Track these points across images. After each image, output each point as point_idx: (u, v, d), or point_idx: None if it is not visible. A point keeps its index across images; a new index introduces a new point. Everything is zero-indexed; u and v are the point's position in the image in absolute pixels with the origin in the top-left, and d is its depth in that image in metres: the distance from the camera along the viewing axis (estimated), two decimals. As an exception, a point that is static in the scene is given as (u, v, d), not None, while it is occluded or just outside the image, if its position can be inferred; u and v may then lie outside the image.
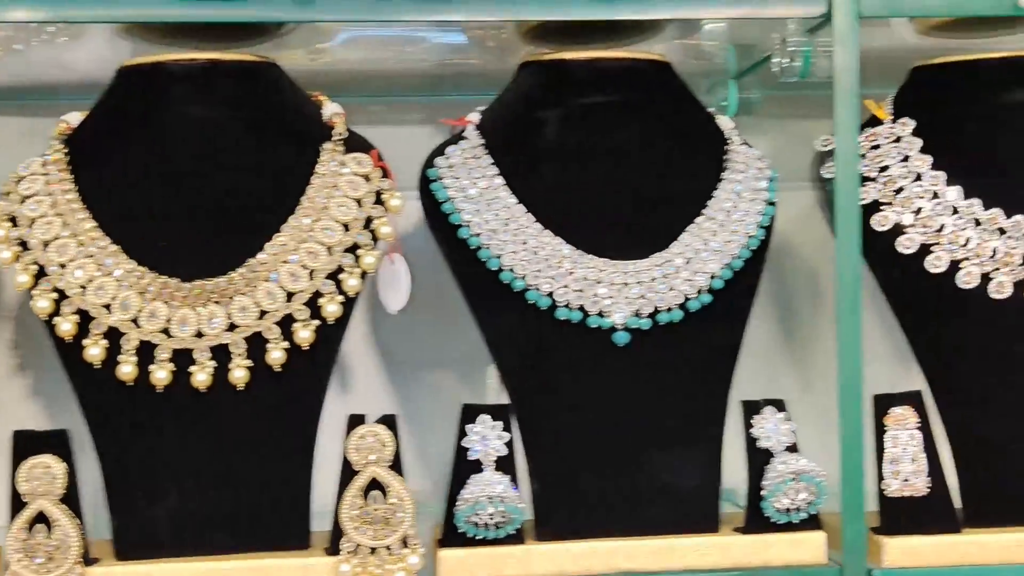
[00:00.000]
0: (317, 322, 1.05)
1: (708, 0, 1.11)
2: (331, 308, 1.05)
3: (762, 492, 1.07)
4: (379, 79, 1.40)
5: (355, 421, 1.05)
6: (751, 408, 1.11)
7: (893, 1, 1.09)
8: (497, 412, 1.08)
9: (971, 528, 1.11)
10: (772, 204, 1.15)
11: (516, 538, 1.05)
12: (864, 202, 1.14)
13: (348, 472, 1.04)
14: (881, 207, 1.13)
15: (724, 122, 1.19)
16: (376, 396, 1.40)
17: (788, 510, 1.08)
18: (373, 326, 1.40)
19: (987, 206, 1.12)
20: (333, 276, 1.06)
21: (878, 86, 1.21)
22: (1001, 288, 1.11)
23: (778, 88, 1.32)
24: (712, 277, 1.10)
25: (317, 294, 1.06)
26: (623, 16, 1.05)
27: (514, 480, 1.06)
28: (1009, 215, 1.11)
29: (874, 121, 1.18)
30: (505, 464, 1.06)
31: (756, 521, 1.08)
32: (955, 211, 1.12)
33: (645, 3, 1.07)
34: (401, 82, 1.41)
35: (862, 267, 1.09)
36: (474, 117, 1.16)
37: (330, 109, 1.13)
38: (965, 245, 1.11)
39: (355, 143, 1.12)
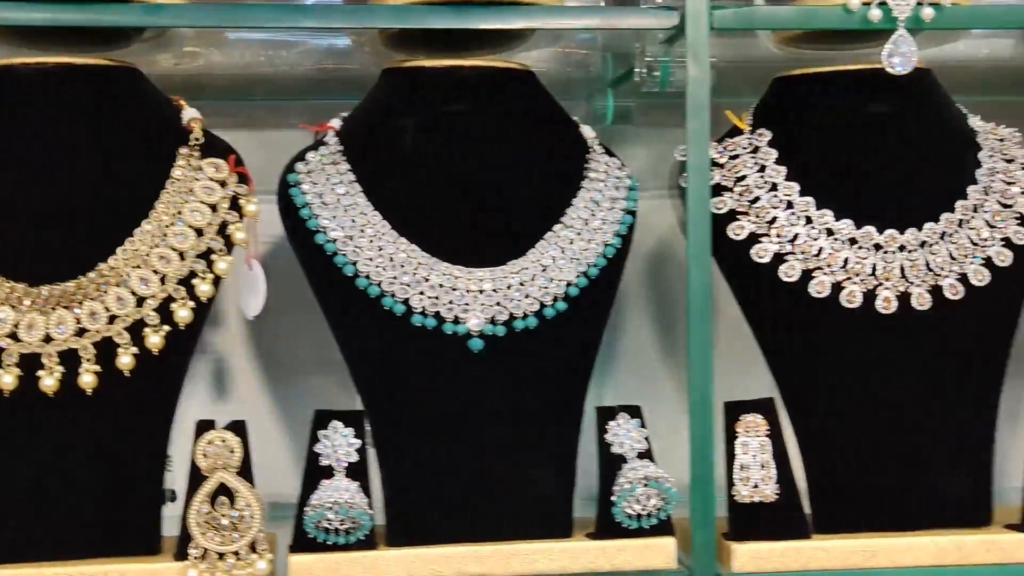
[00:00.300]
0: (168, 328, 1.04)
1: (565, 12, 1.12)
2: (182, 313, 1.05)
3: (612, 498, 1.09)
4: (262, 82, 1.40)
5: (203, 427, 1.05)
6: (606, 414, 1.13)
7: (745, 14, 1.11)
8: (349, 418, 1.08)
9: (820, 534, 1.12)
10: (631, 213, 1.16)
11: (366, 544, 1.05)
12: (721, 211, 1.16)
13: (197, 477, 1.04)
14: (737, 216, 1.14)
15: (587, 131, 1.19)
16: (256, 401, 1.40)
17: (639, 516, 1.09)
18: (254, 330, 1.41)
19: (839, 217, 1.13)
20: (186, 281, 1.06)
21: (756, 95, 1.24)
22: (852, 297, 1.12)
23: (652, 97, 1.33)
24: (568, 285, 1.11)
25: (169, 299, 1.05)
26: (474, 25, 1.06)
27: (365, 486, 1.07)
28: (860, 226, 1.12)
29: (736, 131, 1.20)
30: (356, 470, 1.06)
31: (607, 526, 1.08)
32: (809, 221, 1.14)
33: (500, 14, 1.07)
34: (284, 86, 1.41)
35: (712, 275, 1.10)
36: (335, 123, 1.16)
37: (188, 114, 1.12)
38: (818, 255, 1.12)
39: (215, 148, 1.11)
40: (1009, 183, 1.16)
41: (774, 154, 1.16)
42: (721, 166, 1.17)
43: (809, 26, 1.12)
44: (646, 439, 1.11)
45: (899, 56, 1.08)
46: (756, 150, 1.17)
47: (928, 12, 1.08)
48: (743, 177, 1.15)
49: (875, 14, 1.08)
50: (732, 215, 1.14)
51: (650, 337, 1.44)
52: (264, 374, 1.40)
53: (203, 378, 1.37)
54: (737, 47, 1.33)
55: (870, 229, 1.13)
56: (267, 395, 1.40)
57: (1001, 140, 1.20)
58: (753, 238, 1.13)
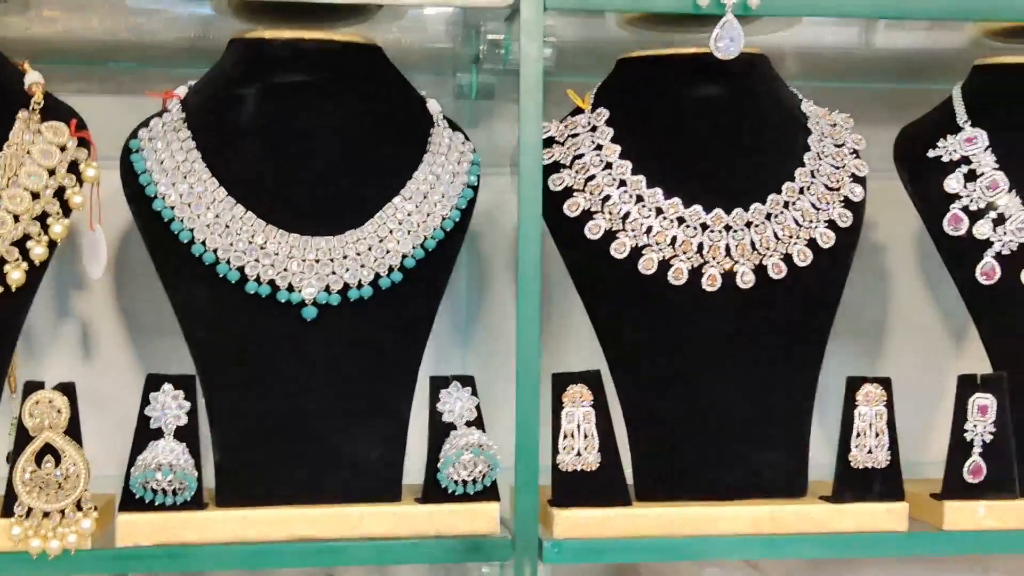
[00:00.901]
0: (0, 288, 1.05)
1: (400, -12, 1.13)
2: (15, 276, 1.05)
3: (438, 464, 1.11)
4: (128, 49, 1.40)
5: (31, 388, 1.05)
6: (439, 383, 1.15)
7: (579, -5, 1.13)
8: (180, 382, 1.08)
9: (642, 502, 1.15)
10: (473, 188, 1.18)
11: (195, 504, 1.07)
12: (558, 188, 1.18)
13: (24, 437, 1.04)
14: (573, 194, 1.16)
15: (433, 105, 1.20)
16: (122, 364, 1.40)
17: (464, 482, 1.11)
18: (120, 293, 1.41)
19: (669, 196, 1.15)
20: (21, 244, 1.06)
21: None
22: (678, 275, 1.14)
23: (514, 74, 1.35)
24: (404, 256, 1.12)
25: (2, 261, 1.05)
26: (307, -1, 1.07)
27: (195, 448, 1.09)
28: (688, 205, 1.15)
29: (579, 110, 1.22)
30: (185, 433, 1.07)
31: (433, 491, 1.11)
32: (640, 200, 1.16)
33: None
34: (149, 53, 1.41)
35: (543, 250, 1.11)
36: (181, 91, 1.16)
37: (31, 77, 1.11)
38: (647, 233, 1.15)
39: (58, 112, 1.11)
40: (837, 167, 1.19)
41: (610, 133, 1.18)
42: (561, 144, 1.19)
43: (641, 8, 1.14)
44: (476, 408, 1.13)
45: (725, 40, 1.11)
46: (594, 129, 1.19)
47: (755, 0, 1.12)
48: (581, 155, 1.17)
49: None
50: (568, 192, 1.17)
51: (511, 310, 1.47)
52: (129, 337, 1.41)
53: (67, 342, 1.38)
54: (591, 27, 1.35)
55: (697, 208, 1.15)
56: (131, 358, 1.41)
57: (833, 125, 1.22)
58: (587, 215, 1.16)
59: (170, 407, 1.07)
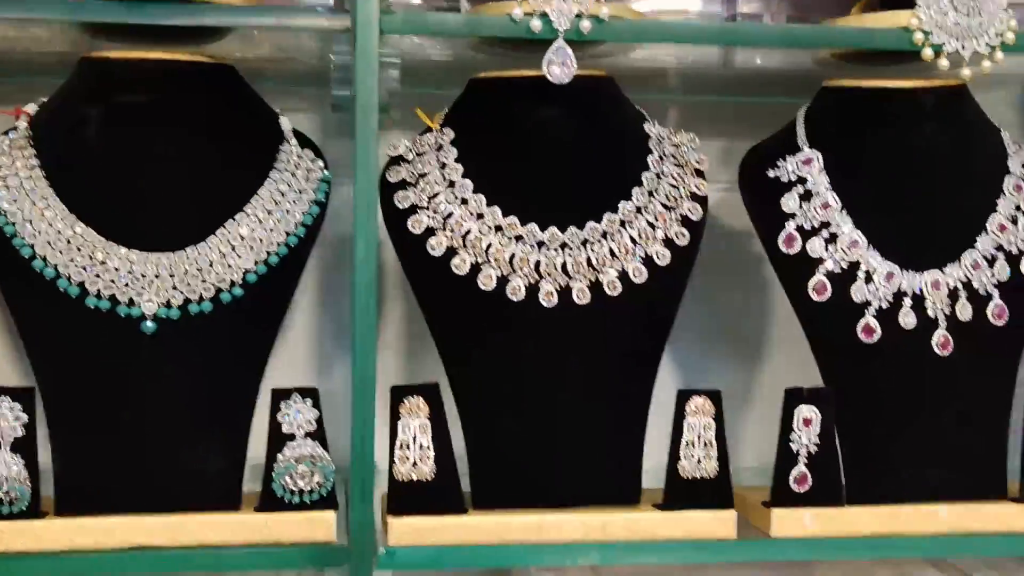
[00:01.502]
0: None
1: (236, 10, 1.13)
2: None
3: (272, 473, 1.14)
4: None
5: None
6: (280, 395, 1.16)
7: (414, 19, 1.15)
8: (18, 394, 1.10)
9: (479, 510, 1.18)
10: (320, 204, 1.19)
11: (30, 514, 1.09)
12: (403, 207, 1.20)
13: None
14: (417, 211, 1.19)
15: (284, 123, 1.22)
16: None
17: (301, 491, 1.13)
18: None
19: (507, 214, 1.17)
20: None
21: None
22: (516, 291, 1.16)
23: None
24: (246, 272, 1.14)
25: None
26: (145, 21, 1.07)
27: (32, 460, 1.10)
28: (525, 223, 1.17)
29: (430, 129, 1.24)
30: (22, 445, 1.09)
31: (269, 500, 1.13)
32: (480, 217, 1.18)
33: (174, 11, 1.09)
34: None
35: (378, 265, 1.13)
36: (31, 108, 1.18)
37: None
38: (486, 250, 1.17)
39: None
40: (676, 186, 1.21)
41: (455, 153, 1.20)
42: (409, 162, 1.22)
43: (476, 33, 1.16)
44: (317, 420, 1.15)
45: (557, 66, 1.13)
46: (440, 148, 1.21)
47: (586, 24, 1.12)
48: (426, 174, 1.19)
49: (536, 25, 1.12)
50: (413, 210, 1.19)
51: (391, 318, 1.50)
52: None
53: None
54: (453, 45, 1.37)
55: (533, 227, 1.17)
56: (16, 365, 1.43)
57: (677, 145, 1.25)
58: (430, 232, 1.18)
59: (7, 419, 1.10)
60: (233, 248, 1.14)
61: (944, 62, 1.19)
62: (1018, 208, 1.24)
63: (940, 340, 1.21)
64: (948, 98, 1.24)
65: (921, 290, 1.21)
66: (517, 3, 1.13)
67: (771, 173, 1.24)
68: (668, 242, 1.20)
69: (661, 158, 1.23)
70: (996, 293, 1.22)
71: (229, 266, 1.14)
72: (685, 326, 1.51)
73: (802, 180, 1.23)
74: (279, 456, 1.12)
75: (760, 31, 1.27)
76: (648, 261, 1.18)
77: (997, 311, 1.22)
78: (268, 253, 1.16)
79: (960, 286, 1.22)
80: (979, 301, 1.22)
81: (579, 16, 1.13)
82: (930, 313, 1.21)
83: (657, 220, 1.20)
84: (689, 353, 1.49)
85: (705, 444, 1.19)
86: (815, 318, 1.22)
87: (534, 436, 1.18)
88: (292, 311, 1.34)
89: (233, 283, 1.14)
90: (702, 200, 1.22)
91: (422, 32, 1.20)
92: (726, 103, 1.45)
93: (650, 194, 1.21)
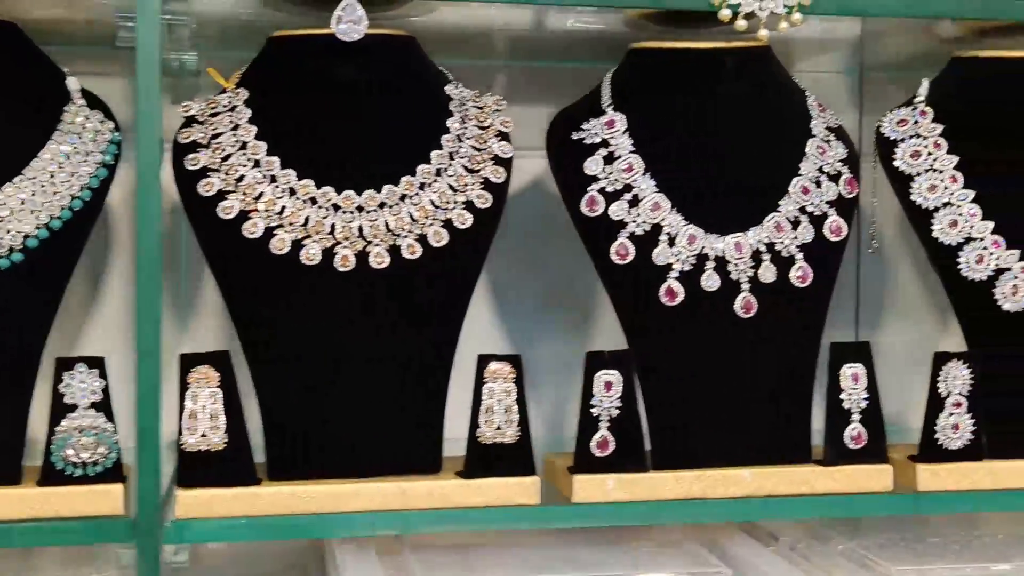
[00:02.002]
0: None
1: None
2: None
3: (51, 445, 1.10)
4: None
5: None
6: (63, 365, 1.11)
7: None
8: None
9: (276, 481, 1.13)
10: (108, 167, 1.15)
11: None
12: (195, 168, 1.15)
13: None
14: (209, 173, 1.14)
15: (71, 83, 1.16)
16: None
17: (84, 464, 1.09)
18: None
19: (302, 176, 1.13)
20: None
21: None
22: (310, 255, 1.13)
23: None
24: (26, 236, 1.09)
25: None
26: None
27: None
28: (320, 186, 1.14)
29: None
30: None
31: (50, 473, 1.09)
32: (274, 180, 1.14)
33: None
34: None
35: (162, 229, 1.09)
36: None
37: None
38: (280, 213, 1.13)
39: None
40: (479, 149, 1.19)
41: (248, 113, 1.16)
42: (201, 123, 1.17)
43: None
44: (104, 390, 1.11)
45: (346, 23, 1.10)
46: (234, 108, 1.17)
47: (369, -20, 1.11)
48: (219, 135, 1.15)
49: (324, -20, 1.11)
50: (204, 172, 1.15)
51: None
52: None
53: None
54: (253, 4, 1.33)
55: (328, 189, 1.14)
56: None
57: (480, 108, 1.22)
58: (221, 195, 1.14)
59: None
60: (12, 212, 1.10)
61: (742, 22, 1.17)
62: (821, 170, 1.24)
63: (743, 303, 1.20)
64: (750, 59, 1.23)
65: (724, 253, 1.21)
66: (299, -41, 1.11)
67: (575, 136, 1.22)
68: (469, 205, 1.17)
69: (463, 120, 1.20)
70: (800, 255, 1.22)
71: (8, 231, 1.09)
72: (519, 292, 1.54)
73: (606, 143, 1.22)
74: (57, 428, 1.09)
75: None
76: (449, 224, 1.16)
77: (800, 274, 1.22)
78: (51, 217, 1.11)
79: (763, 248, 1.21)
80: (782, 264, 1.21)
81: (364, -29, 1.11)
82: (733, 276, 1.20)
83: (458, 183, 1.19)
84: (524, 320, 1.49)
85: (505, 410, 1.17)
86: (618, 281, 1.20)
87: (330, 404, 1.15)
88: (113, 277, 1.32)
89: (11, 248, 1.09)
90: (506, 163, 1.20)
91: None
92: (542, 68, 1.45)
93: (451, 156, 1.18)
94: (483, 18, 1.37)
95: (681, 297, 1.20)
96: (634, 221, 1.20)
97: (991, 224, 1.25)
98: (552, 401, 1.50)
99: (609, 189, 1.20)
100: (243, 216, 1.13)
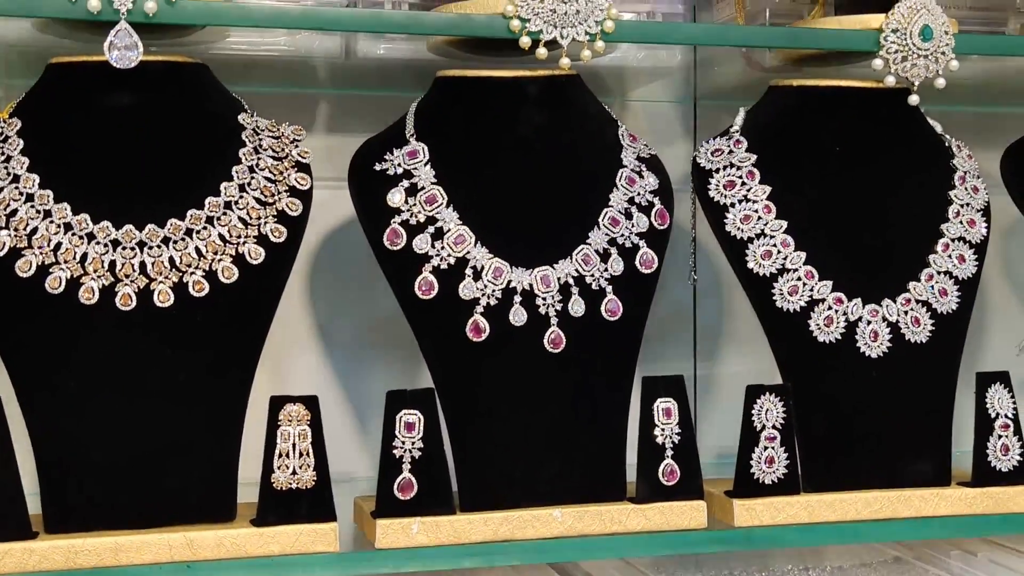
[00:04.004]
0: None
1: None
2: None
3: None
4: None
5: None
6: None
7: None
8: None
9: (51, 534, 1.05)
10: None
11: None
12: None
13: None
14: (-23, 209, 1.08)
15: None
16: None
17: None
18: None
19: (78, 211, 1.06)
20: None
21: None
22: (88, 294, 1.05)
23: None
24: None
25: None
26: None
27: None
28: (97, 221, 1.07)
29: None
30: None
31: None
32: (48, 215, 1.07)
33: None
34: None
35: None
36: None
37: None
38: (55, 250, 1.06)
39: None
40: (273, 180, 1.13)
41: (21, 143, 1.09)
42: (-48, 156, 1.10)
43: (30, 14, 1.05)
44: None
45: (119, 50, 1.03)
46: (6, 139, 1.09)
47: (151, 6, 1.03)
48: (-12, 168, 1.10)
49: (94, 5, 1.02)
50: (-29, 206, 1.09)
51: None
52: None
53: None
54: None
55: (106, 224, 1.07)
56: None
57: (276, 137, 1.15)
58: (-11, 232, 1.08)
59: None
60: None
61: (542, 51, 1.14)
62: (631, 201, 1.21)
63: (552, 337, 1.16)
64: (554, 88, 1.19)
65: (531, 286, 1.16)
66: (73, -19, 1.04)
67: (378, 167, 1.17)
68: (263, 239, 1.11)
69: (257, 150, 1.14)
70: (610, 288, 1.18)
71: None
72: (346, 327, 1.48)
73: (408, 174, 1.17)
74: None
75: (351, 18, 1.17)
76: (240, 259, 1.09)
77: (611, 307, 1.18)
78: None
79: (572, 281, 1.17)
80: (592, 297, 1.17)
81: (142, -4, 1.05)
82: (541, 310, 1.15)
83: (251, 216, 1.13)
84: (351, 355, 1.44)
85: (301, 453, 1.11)
86: (423, 317, 1.15)
87: (112, 450, 1.08)
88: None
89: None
90: (303, 195, 1.14)
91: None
92: (359, 96, 1.40)
93: (242, 188, 1.12)
94: (295, 45, 1.32)
95: (487, 333, 1.14)
96: (438, 255, 1.15)
97: (804, 254, 1.23)
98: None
99: (412, 221, 1.15)
100: (15, 253, 1.06)
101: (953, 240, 1.28)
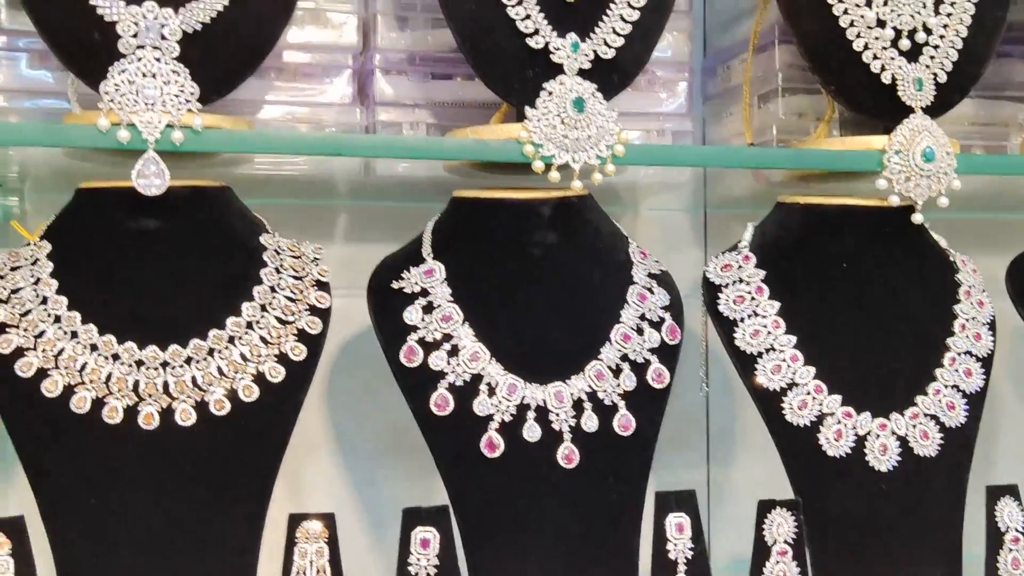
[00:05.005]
0: None
1: None
2: None
3: None
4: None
5: None
6: None
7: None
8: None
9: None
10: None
11: None
12: (-12, 325, 1.12)
13: None
14: (7, 329, 1.09)
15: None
16: None
17: None
18: None
19: (104, 332, 1.09)
20: None
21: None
22: (112, 413, 1.07)
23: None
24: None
25: None
26: None
27: None
28: (122, 341, 1.09)
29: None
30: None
31: None
32: (75, 336, 1.09)
33: None
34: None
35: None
36: None
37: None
38: (81, 371, 1.08)
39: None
40: (293, 299, 1.16)
41: (50, 267, 1.11)
42: (2, 277, 1.12)
43: (60, 144, 1.09)
44: None
45: (146, 178, 1.07)
46: (36, 262, 1.12)
47: (178, 136, 1.07)
48: (19, 289, 1.10)
49: (123, 135, 1.06)
50: (2, 328, 1.10)
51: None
52: None
53: None
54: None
55: (131, 345, 1.09)
56: None
57: (297, 256, 1.18)
58: (20, 352, 1.08)
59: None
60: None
61: (555, 174, 1.17)
62: (643, 317, 1.23)
63: (565, 453, 1.17)
64: (567, 208, 1.22)
65: (545, 402, 1.18)
66: (103, 113, 1.08)
67: (395, 284, 1.20)
68: (283, 358, 1.14)
69: (278, 270, 1.17)
70: (622, 404, 1.20)
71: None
72: (362, 436, 1.50)
73: (425, 292, 1.20)
74: None
75: (371, 143, 1.23)
76: (260, 378, 1.12)
77: (623, 422, 1.20)
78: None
79: (585, 397, 1.19)
80: (605, 412, 1.19)
81: (170, 127, 1.09)
82: (555, 425, 1.17)
83: (271, 335, 1.15)
84: (368, 466, 1.45)
85: (318, 571, 1.12)
86: (438, 433, 1.16)
87: (136, 570, 1.08)
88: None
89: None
90: (323, 313, 1.17)
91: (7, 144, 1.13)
92: (379, 207, 1.43)
93: (263, 308, 1.15)
94: (316, 164, 1.36)
95: (502, 449, 1.16)
96: (454, 371, 1.17)
97: (813, 369, 1.25)
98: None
99: (428, 339, 1.18)
100: (42, 373, 1.09)
101: (960, 354, 1.30)
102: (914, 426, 1.26)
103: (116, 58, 1.07)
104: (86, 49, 1.07)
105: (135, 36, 1.07)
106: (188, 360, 1.11)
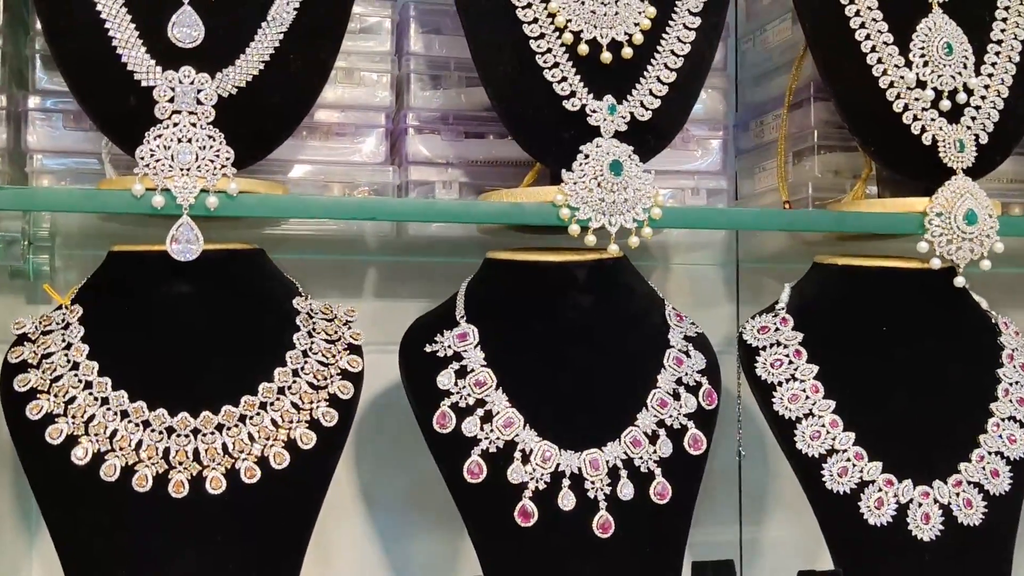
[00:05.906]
0: None
1: None
2: None
3: None
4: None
5: None
6: None
7: (21, 195, 1.06)
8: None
9: None
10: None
11: None
12: (23, 389, 1.08)
13: None
14: (38, 395, 1.08)
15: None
16: None
17: None
18: None
19: (134, 398, 1.08)
20: None
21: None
22: (142, 481, 1.06)
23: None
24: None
25: None
26: None
27: None
28: (153, 408, 1.08)
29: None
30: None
31: None
32: (105, 402, 1.08)
33: None
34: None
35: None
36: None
37: None
38: (111, 437, 1.07)
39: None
40: (326, 364, 1.15)
41: (81, 331, 1.10)
42: (33, 341, 1.11)
43: (98, 210, 1.08)
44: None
45: (181, 243, 1.06)
46: (67, 326, 1.11)
47: (213, 200, 1.06)
48: (50, 354, 1.09)
49: (158, 201, 1.05)
50: (33, 394, 1.08)
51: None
52: None
53: None
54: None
55: (162, 412, 1.08)
56: None
57: (329, 320, 1.17)
58: (49, 418, 1.07)
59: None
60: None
61: (591, 238, 1.15)
62: (679, 382, 1.21)
63: (600, 522, 1.15)
64: (602, 271, 1.20)
65: (580, 469, 1.16)
66: (138, 178, 1.07)
67: (428, 348, 1.18)
68: (314, 424, 1.12)
69: (310, 334, 1.15)
70: (658, 471, 1.18)
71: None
72: (390, 490, 1.48)
73: (458, 356, 1.18)
74: None
75: (405, 207, 1.22)
76: (291, 445, 1.10)
77: (659, 489, 1.17)
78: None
79: (621, 464, 1.17)
80: (641, 479, 1.16)
81: (205, 191, 1.08)
82: (590, 493, 1.14)
83: (303, 400, 1.14)
84: (394, 519, 1.43)
85: (349, 642, 1.11)
86: (471, 500, 1.14)
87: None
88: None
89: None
90: (355, 377, 1.15)
91: (29, 208, 1.12)
92: (410, 263, 1.41)
93: (295, 373, 1.13)
94: (348, 224, 1.35)
95: (536, 518, 1.13)
96: (487, 438, 1.15)
97: (852, 435, 1.23)
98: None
99: (461, 404, 1.15)
100: (72, 441, 1.07)
101: (1003, 419, 1.27)
102: (957, 494, 1.24)
103: (152, 123, 1.06)
104: (122, 114, 1.07)
105: (171, 101, 1.07)
106: (219, 427, 1.09)
